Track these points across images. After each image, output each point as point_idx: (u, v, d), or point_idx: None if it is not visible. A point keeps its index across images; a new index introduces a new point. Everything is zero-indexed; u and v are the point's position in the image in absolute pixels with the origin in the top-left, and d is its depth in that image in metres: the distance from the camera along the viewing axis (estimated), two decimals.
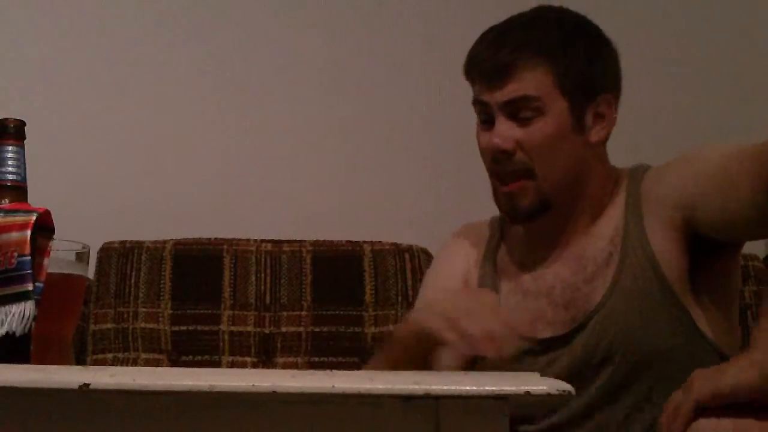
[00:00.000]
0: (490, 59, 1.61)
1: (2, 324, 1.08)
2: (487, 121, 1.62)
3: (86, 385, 0.86)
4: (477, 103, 1.63)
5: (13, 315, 1.08)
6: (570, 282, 1.63)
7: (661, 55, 2.51)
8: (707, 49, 2.53)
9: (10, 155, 1.15)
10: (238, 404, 0.90)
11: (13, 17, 2.41)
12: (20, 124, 1.17)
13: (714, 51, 2.53)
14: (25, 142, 1.18)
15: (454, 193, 2.36)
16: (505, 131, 1.58)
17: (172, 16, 2.46)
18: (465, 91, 1.64)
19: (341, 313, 2.16)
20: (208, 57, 2.44)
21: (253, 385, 0.86)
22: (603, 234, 1.63)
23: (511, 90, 1.58)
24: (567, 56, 1.60)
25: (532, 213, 1.62)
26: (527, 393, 0.85)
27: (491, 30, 1.64)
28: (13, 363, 0.98)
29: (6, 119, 1.17)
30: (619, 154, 1.70)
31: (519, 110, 1.58)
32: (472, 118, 1.64)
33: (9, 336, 1.08)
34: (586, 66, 1.62)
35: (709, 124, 2.43)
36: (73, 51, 2.42)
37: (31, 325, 1.08)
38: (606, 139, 1.65)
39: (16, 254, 1.08)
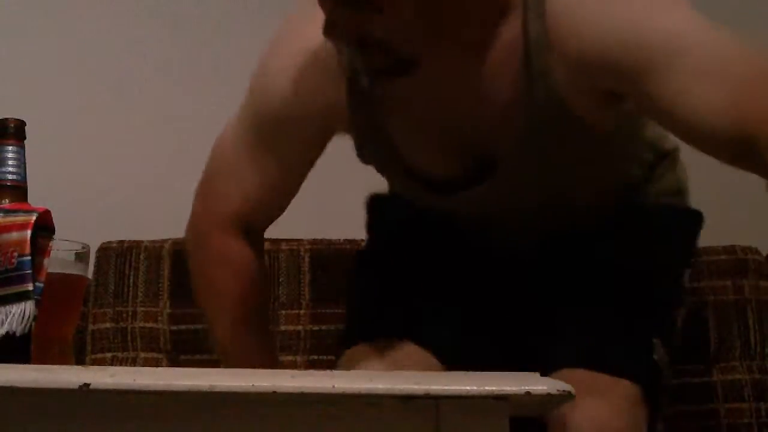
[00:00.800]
0: None
1: (2, 324, 1.08)
2: None
3: (86, 385, 0.86)
4: None
5: (13, 315, 1.08)
6: (472, 124, 1.39)
7: None
8: None
9: (10, 155, 1.15)
10: (238, 404, 0.90)
11: (13, 17, 2.41)
12: (20, 124, 1.17)
13: None
14: (25, 142, 1.18)
15: None
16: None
17: (174, 17, 2.46)
18: None
19: (340, 311, 2.16)
20: (208, 58, 2.44)
21: (253, 385, 0.86)
22: (498, 75, 1.34)
23: None
24: None
25: (391, 74, 1.32)
26: (527, 393, 0.85)
27: None
28: (13, 363, 0.98)
29: (6, 119, 1.17)
30: None
31: None
32: None
33: (9, 336, 1.08)
34: None
35: None
36: (73, 51, 2.42)
37: (31, 325, 1.08)
38: None
39: (16, 254, 1.09)
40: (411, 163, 1.47)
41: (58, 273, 1.17)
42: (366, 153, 1.52)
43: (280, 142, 1.51)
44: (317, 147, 1.54)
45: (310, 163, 1.56)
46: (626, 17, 1.25)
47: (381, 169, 1.57)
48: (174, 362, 2.08)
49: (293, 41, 1.44)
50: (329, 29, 1.29)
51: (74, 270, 1.22)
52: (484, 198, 1.44)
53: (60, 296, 1.17)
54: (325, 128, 1.50)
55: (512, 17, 1.32)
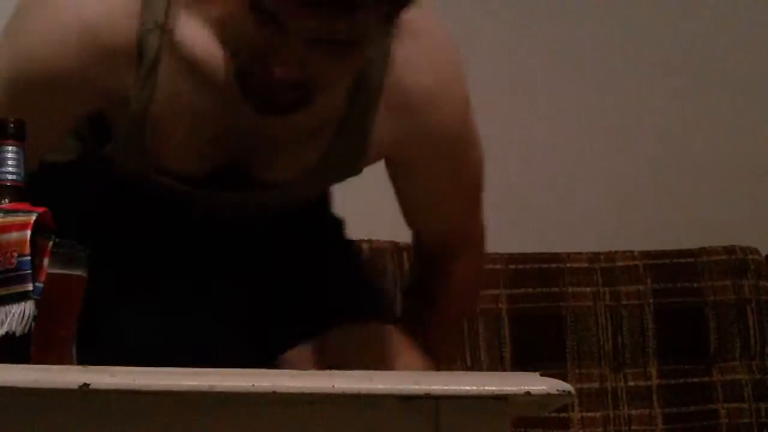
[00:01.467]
0: None
1: (2, 324, 1.08)
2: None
3: (86, 385, 0.86)
4: None
5: (13, 315, 1.08)
6: (274, 138, 1.43)
7: (660, 57, 2.51)
8: (706, 50, 2.53)
9: (10, 155, 1.15)
10: (238, 404, 0.90)
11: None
12: (20, 124, 1.17)
13: (714, 51, 2.53)
14: (25, 142, 1.17)
15: None
16: None
17: None
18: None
19: None
20: None
21: (253, 385, 0.86)
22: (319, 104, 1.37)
23: None
24: None
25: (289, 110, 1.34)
26: (527, 393, 0.85)
27: None
28: (13, 363, 0.99)
29: (6, 119, 1.16)
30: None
31: None
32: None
33: (9, 336, 1.08)
34: None
35: (709, 122, 2.44)
36: None
37: (31, 325, 1.08)
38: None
39: (15, 254, 1.08)
40: (162, 159, 1.45)
41: (58, 273, 1.17)
42: (114, 142, 1.47)
43: (35, 109, 1.38)
44: (72, 122, 1.49)
45: (59, 137, 1.51)
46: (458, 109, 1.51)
47: (121, 162, 1.50)
48: None
49: (66, 13, 1.38)
50: (291, 64, 1.26)
51: (74, 270, 1.22)
52: (234, 201, 1.50)
53: (60, 296, 1.17)
54: (89, 108, 1.46)
55: None
